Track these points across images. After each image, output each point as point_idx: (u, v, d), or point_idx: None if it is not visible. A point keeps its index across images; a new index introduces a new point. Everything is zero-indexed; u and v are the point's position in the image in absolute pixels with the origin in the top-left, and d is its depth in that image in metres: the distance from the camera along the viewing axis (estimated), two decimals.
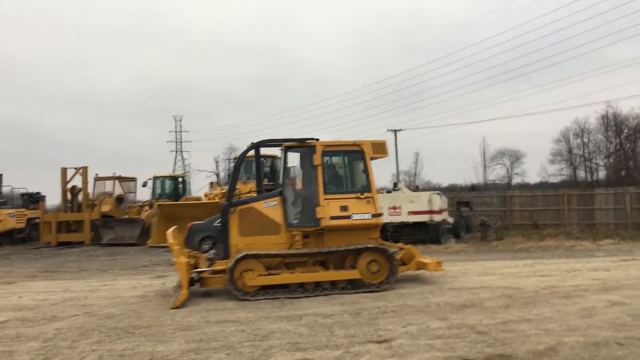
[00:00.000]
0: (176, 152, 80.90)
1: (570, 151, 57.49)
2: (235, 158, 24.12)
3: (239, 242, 9.42)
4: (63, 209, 23.54)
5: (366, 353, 5.57)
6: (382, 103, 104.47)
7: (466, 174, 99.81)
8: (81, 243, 22.35)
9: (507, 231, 21.41)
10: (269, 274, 9.11)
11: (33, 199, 25.67)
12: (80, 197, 23.57)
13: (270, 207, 9.65)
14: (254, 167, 23.25)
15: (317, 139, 9.89)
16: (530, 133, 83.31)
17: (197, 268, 9.45)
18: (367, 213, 9.57)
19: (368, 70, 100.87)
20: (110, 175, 25.17)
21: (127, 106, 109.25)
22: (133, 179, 26.09)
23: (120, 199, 25.14)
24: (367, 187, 9.74)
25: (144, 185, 25.47)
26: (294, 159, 10.31)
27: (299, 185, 10.75)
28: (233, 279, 8.91)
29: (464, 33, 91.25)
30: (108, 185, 25.11)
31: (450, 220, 19.80)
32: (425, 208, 17.88)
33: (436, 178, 65.30)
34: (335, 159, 10.14)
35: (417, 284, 9.89)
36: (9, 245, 22.75)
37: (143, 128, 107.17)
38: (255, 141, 10.06)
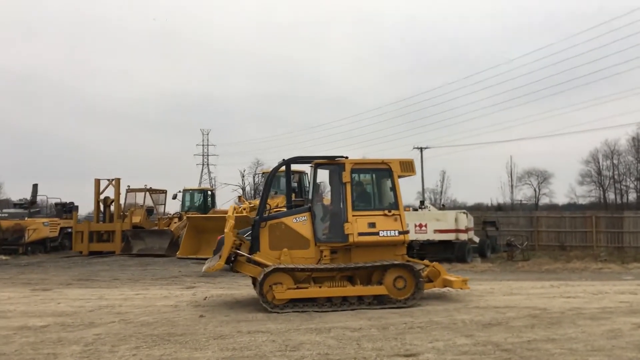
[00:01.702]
0: (202, 165, 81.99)
1: (599, 173, 56.81)
2: (263, 173, 24.53)
3: (270, 256, 9.68)
4: (95, 219, 24.15)
5: None
6: (407, 121, 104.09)
7: (492, 194, 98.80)
8: (112, 253, 22.89)
9: (534, 252, 21.30)
10: (297, 288, 9.36)
11: (66, 209, 26.40)
12: (112, 207, 24.17)
13: (299, 222, 9.91)
14: (282, 183, 23.74)
15: (347, 157, 10.16)
16: (559, 154, 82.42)
17: (239, 250, 9.72)
18: (395, 230, 9.77)
19: (393, 87, 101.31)
20: (142, 187, 25.79)
21: (155, 119, 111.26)
22: (163, 192, 26.66)
23: (150, 211, 25.70)
24: (395, 205, 9.96)
25: (174, 197, 26.00)
26: (322, 175, 10.60)
27: (327, 201, 11.01)
28: (263, 292, 9.18)
29: (493, 51, 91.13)
30: (139, 197, 25.70)
31: (476, 239, 19.81)
32: (452, 226, 17.97)
33: (462, 197, 64.78)
34: (364, 177, 10.38)
35: (442, 301, 10.03)
36: (41, 254, 23.37)
37: (170, 141, 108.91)
38: (285, 158, 10.37)
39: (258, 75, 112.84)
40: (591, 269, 16.46)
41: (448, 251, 17.95)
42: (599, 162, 56.57)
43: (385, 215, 9.82)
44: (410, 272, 9.64)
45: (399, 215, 9.88)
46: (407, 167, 10.26)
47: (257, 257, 9.67)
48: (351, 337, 7.19)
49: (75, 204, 27.26)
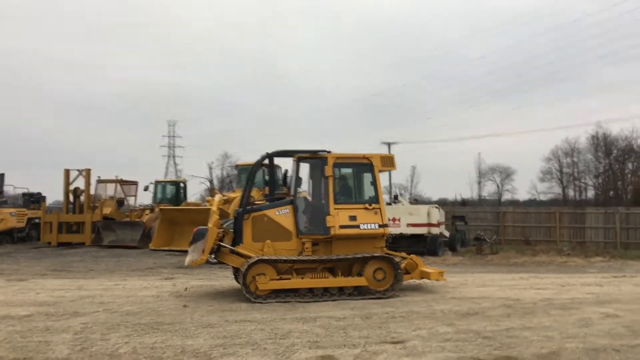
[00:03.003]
0: (168, 157, 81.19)
1: (560, 170, 58.42)
2: (236, 165, 24.55)
3: (253, 247, 9.82)
4: (65, 210, 23.75)
5: (383, 352, 6.03)
6: (374, 116, 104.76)
7: (456, 189, 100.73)
8: (82, 244, 22.56)
9: (500, 246, 21.96)
10: (280, 279, 9.54)
11: (34, 199, 25.91)
12: (82, 198, 23.82)
13: (282, 215, 10.07)
14: (255, 175, 23.68)
15: (329, 151, 10.36)
16: (521, 151, 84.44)
17: (222, 241, 9.82)
18: (375, 223, 10.03)
19: (360, 83, 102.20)
20: (113, 178, 25.50)
21: (119, 111, 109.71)
22: (134, 183, 26.38)
23: (120, 202, 25.42)
24: (375, 199, 10.22)
25: (146, 189, 25.77)
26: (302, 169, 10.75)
27: (302, 195, 11.18)
28: (246, 283, 9.34)
29: (456, 50, 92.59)
30: (109, 188, 25.39)
31: (447, 233, 20.30)
32: (424, 221, 18.40)
33: (426, 192, 65.84)
34: (345, 171, 10.59)
35: (420, 292, 10.35)
36: (9, 244, 22.93)
37: (136, 133, 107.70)
38: (269, 151, 10.49)
39: (225, 67, 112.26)
40: (557, 262, 17.12)
41: (420, 244, 18.34)
42: (559, 160, 58.23)
43: (366, 208, 10.06)
44: (390, 264, 9.93)
45: (379, 208, 10.13)
46: (388, 162, 10.54)
47: (240, 249, 9.80)
48: (337, 325, 7.41)
49: (43, 195, 26.77)
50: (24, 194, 26.41)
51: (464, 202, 50.15)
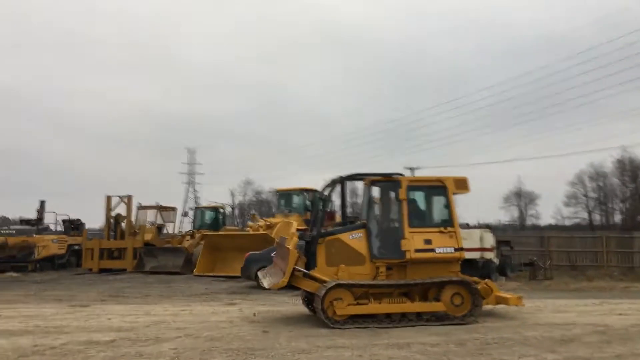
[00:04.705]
0: (188, 184, 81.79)
1: (585, 195, 57.64)
2: (278, 191, 24.55)
3: (327, 272, 9.65)
4: (106, 236, 23.82)
5: None
6: (392, 142, 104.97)
7: (476, 214, 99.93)
8: (123, 270, 22.53)
9: (547, 271, 21.46)
10: (357, 304, 9.34)
11: (74, 226, 26.06)
12: (123, 224, 23.90)
13: (355, 239, 9.91)
14: (294, 201, 23.73)
15: (402, 174, 10.25)
16: (545, 175, 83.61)
17: (296, 266, 9.60)
18: (450, 247, 9.81)
19: (376, 109, 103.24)
20: (153, 204, 25.62)
21: (138, 139, 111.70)
22: (173, 209, 26.48)
23: (160, 228, 25.46)
24: (450, 222, 10.01)
25: (185, 215, 25.92)
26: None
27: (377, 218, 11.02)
28: (324, 307, 9.14)
29: (474, 76, 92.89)
30: (150, 214, 25.49)
31: (496, 259, 19.89)
32: (477, 245, 18.03)
33: None
34: (419, 194, 10.42)
35: (497, 318, 10.03)
36: (50, 271, 23.00)
37: (155, 161, 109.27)
38: (343, 175, 10.38)
39: (241, 95, 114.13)
40: (618, 287, 16.64)
41: (472, 269, 17.90)
42: (585, 184, 57.52)
43: (441, 232, 9.86)
44: (468, 288, 9.68)
45: (455, 232, 9.92)
46: (461, 184, 10.35)
47: (314, 273, 9.65)
48: (435, 352, 7.18)
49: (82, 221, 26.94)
50: (64, 221, 26.58)
51: (488, 227, 49.23)
